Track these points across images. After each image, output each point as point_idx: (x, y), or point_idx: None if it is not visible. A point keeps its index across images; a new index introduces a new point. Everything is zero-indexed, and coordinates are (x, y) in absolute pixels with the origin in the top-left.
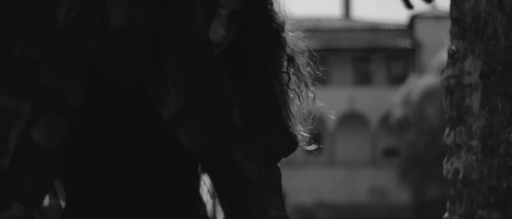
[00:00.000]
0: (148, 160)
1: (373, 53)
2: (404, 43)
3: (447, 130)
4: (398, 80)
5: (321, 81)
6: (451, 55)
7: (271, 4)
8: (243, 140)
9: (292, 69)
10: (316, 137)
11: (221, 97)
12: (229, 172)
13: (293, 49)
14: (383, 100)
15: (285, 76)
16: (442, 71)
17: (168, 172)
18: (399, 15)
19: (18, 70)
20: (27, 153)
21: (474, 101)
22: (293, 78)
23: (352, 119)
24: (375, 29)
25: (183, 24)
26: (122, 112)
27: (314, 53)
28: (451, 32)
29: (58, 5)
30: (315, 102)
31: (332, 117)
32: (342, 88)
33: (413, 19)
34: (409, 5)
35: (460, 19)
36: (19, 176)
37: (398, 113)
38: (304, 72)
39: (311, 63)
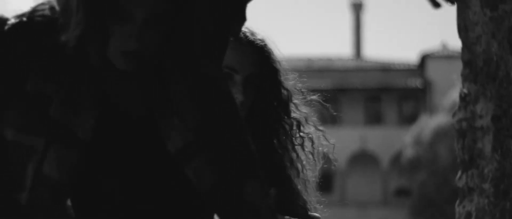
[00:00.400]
0: (155, 191)
1: (384, 93)
2: (415, 82)
3: (459, 173)
4: (409, 119)
5: (333, 120)
6: (463, 98)
7: (281, 69)
8: (257, 172)
9: (300, 133)
10: (327, 177)
11: (233, 131)
12: (239, 209)
13: (301, 113)
14: (394, 140)
15: (294, 140)
16: (454, 114)
17: (173, 204)
18: (410, 55)
19: (31, 106)
20: (40, 187)
21: (486, 144)
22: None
23: (363, 159)
24: (386, 69)
25: (193, 57)
26: (130, 143)
27: (325, 93)
28: (462, 75)
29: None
30: (326, 142)
31: (336, 159)
32: (353, 127)
33: (424, 59)
34: (436, 4)
35: (471, 62)
36: (35, 210)
37: (409, 152)
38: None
39: (322, 103)
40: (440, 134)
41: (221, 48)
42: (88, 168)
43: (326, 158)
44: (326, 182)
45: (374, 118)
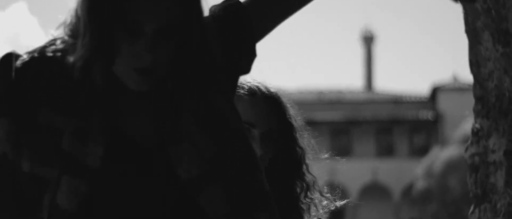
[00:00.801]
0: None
1: (395, 125)
2: (427, 115)
3: (472, 208)
4: (420, 151)
5: (344, 152)
6: (475, 133)
7: (297, 126)
8: (270, 206)
9: (306, 198)
10: (338, 209)
11: (247, 163)
12: None
13: (312, 176)
14: (406, 172)
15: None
16: (466, 149)
17: None
18: (421, 87)
19: (45, 138)
20: (56, 217)
21: (499, 179)
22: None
23: (375, 191)
24: (397, 101)
25: (202, 86)
26: (140, 170)
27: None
28: (474, 110)
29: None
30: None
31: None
32: (365, 159)
33: (435, 91)
34: None
35: (483, 97)
36: None
37: (420, 184)
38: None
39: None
40: (451, 166)
41: (231, 82)
42: (99, 195)
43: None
44: (337, 214)
45: (386, 150)
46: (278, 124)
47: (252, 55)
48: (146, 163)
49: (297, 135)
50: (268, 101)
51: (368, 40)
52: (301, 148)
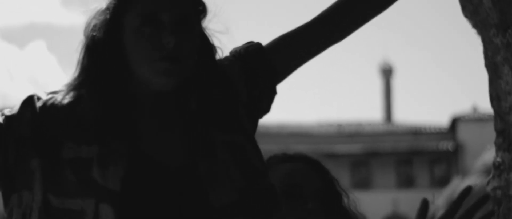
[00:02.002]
0: None
1: (415, 156)
2: (447, 145)
3: None
4: (441, 182)
5: (365, 184)
6: (497, 166)
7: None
8: None
9: None
10: None
11: (270, 201)
12: None
13: None
14: None
15: None
16: (488, 182)
17: None
18: (441, 118)
19: (70, 171)
20: None
21: None
22: None
23: None
24: (417, 132)
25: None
26: (164, 190)
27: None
28: (496, 144)
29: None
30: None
31: None
32: (385, 191)
33: (455, 122)
34: None
35: (505, 131)
36: None
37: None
38: None
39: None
40: (472, 197)
41: (252, 120)
42: (124, 217)
43: None
44: None
45: (406, 182)
46: (322, 182)
47: (272, 92)
48: (171, 183)
49: (340, 191)
50: (311, 164)
51: (387, 73)
52: (346, 210)
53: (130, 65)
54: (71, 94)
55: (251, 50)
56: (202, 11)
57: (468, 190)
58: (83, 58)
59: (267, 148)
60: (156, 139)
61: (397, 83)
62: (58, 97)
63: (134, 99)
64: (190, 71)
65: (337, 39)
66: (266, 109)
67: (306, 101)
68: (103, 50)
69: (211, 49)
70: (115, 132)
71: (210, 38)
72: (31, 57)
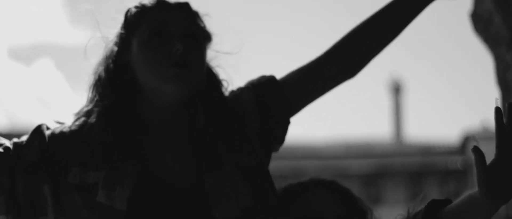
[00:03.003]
0: None
1: (425, 174)
2: (457, 163)
3: None
4: None
5: (375, 203)
6: None
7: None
8: None
9: None
10: None
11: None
12: None
13: None
14: None
15: None
16: None
17: None
18: (451, 136)
19: (77, 195)
20: None
21: None
22: None
23: None
24: (427, 150)
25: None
26: (171, 208)
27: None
28: None
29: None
30: None
31: None
32: (395, 209)
33: (466, 140)
34: None
35: None
36: None
37: None
38: None
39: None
40: None
41: (265, 149)
42: None
43: None
44: None
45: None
46: (344, 208)
47: (285, 123)
48: (177, 201)
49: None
50: (336, 193)
51: (396, 90)
52: None
53: (139, 83)
54: (80, 121)
55: (264, 82)
56: (207, 37)
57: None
58: (92, 86)
59: (277, 166)
60: (164, 158)
61: (406, 100)
62: (67, 125)
63: (142, 120)
64: (200, 81)
65: (348, 75)
66: (280, 140)
67: (315, 119)
68: (112, 75)
69: (217, 79)
70: (123, 155)
71: (215, 69)
72: (39, 76)
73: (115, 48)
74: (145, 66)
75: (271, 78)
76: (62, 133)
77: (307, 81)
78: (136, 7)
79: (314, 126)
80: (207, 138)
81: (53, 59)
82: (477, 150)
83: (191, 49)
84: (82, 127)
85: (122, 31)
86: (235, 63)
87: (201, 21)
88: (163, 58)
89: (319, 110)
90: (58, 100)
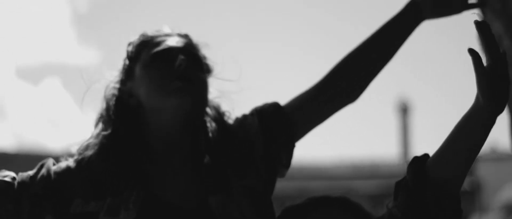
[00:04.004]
0: None
1: None
2: (465, 184)
3: None
4: None
5: None
6: None
7: None
8: None
9: None
10: None
11: None
12: None
13: None
14: None
15: None
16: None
17: None
18: None
19: None
20: None
21: None
22: None
23: None
24: None
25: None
26: None
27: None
28: None
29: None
30: None
31: None
32: None
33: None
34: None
35: None
36: None
37: None
38: None
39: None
40: None
41: (269, 173)
42: None
43: None
44: None
45: None
46: None
47: (291, 147)
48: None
49: None
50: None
51: (403, 111)
52: None
53: (143, 108)
54: (84, 154)
55: (268, 108)
56: (207, 67)
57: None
58: (97, 120)
59: (284, 187)
60: (169, 181)
61: (414, 121)
62: (72, 160)
63: (146, 145)
64: (202, 98)
65: (349, 99)
66: (286, 164)
67: (322, 140)
68: (116, 104)
69: (220, 110)
70: (127, 182)
71: (217, 101)
72: (46, 96)
73: (119, 78)
74: (148, 84)
75: (275, 104)
76: (67, 167)
77: (309, 107)
78: (138, 38)
79: (321, 146)
80: (211, 160)
81: (61, 79)
82: (473, 52)
83: (193, 67)
84: (86, 159)
85: (125, 62)
86: (237, 92)
87: (202, 51)
88: (166, 74)
89: (326, 130)
90: (65, 120)
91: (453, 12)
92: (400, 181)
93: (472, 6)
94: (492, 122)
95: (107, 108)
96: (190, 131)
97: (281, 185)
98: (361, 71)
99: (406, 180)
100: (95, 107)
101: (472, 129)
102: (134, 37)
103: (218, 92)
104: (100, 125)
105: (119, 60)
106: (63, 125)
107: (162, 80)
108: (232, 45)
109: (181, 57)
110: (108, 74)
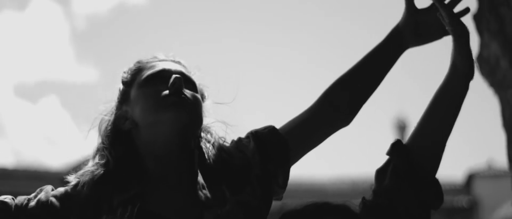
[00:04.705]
0: None
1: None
2: (462, 201)
3: None
4: None
5: None
6: None
7: None
8: None
9: None
10: None
11: None
12: None
13: None
14: None
15: None
16: None
17: None
18: (456, 174)
19: None
20: None
21: None
22: None
23: None
24: None
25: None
26: None
27: None
28: None
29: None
30: None
31: None
32: None
33: (470, 178)
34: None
35: None
36: None
37: None
38: None
39: None
40: None
41: (266, 193)
42: None
43: None
44: None
45: None
46: None
47: (286, 167)
48: None
49: None
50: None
51: (401, 129)
52: None
53: (138, 128)
54: (83, 178)
55: (263, 130)
56: (201, 93)
57: None
58: (95, 151)
59: (283, 205)
60: (164, 198)
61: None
62: (70, 185)
63: (142, 166)
64: (197, 114)
65: (344, 122)
66: (282, 185)
67: (320, 157)
68: (112, 129)
69: (214, 135)
70: (123, 200)
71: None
72: (44, 113)
73: (114, 104)
74: (144, 102)
75: (270, 127)
76: (64, 191)
77: (303, 131)
78: (134, 64)
79: (319, 163)
80: (206, 177)
81: (59, 97)
82: None
83: (187, 86)
84: (82, 184)
85: (121, 87)
86: (231, 117)
87: (195, 76)
88: (161, 91)
89: (324, 147)
90: (63, 138)
91: (434, 39)
92: (385, 167)
93: (459, 29)
94: (463, 83)
95: (103, 141)
96: (186, 149)
97: (279, 202)
98: (349, 97)
99: (393, 166)
100: (92, 124)
101: (446, 94)
102: (129, 65)
103: (213, 119)
104: (97, 157)
105: (116, 78)
106: (61, 142)
107: (157, 96)
108: (227, 69)
109: (176, 75)
110: (103, 107)
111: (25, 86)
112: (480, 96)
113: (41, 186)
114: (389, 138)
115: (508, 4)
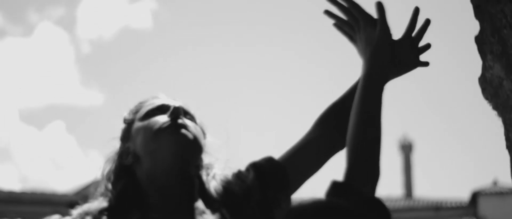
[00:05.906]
0: None
1: None
2: None
3: None
4: None
5: None
6: None
7: None
8: None
9: None
10: None
11: None
12: None
13: None
14: None
15: None
16: None
17: None
18: (461, 193)
19: None
20: None
21: None
22: None
23: None
24: (437, 207)
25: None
26: None
27: None
28: None
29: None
30: None
31: None
32: None
33: (475, 196)
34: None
35: None
36: None
37: None
38: None
39: None
40: None
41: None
42: None
43: None
44: None
45: None
46: None
47: (287, 193)
48: None
49: None
50: None
51: (407, 149)
52: None
53: (139, 160)
54: (86, 211)
55: (262, 160)
56: (201, 128)
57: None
58: (99, 195)
59: None
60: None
61: (417, 158)
62: (74, 215)
63: (143, 198)
64: (198, 144)
65: (341, 147)
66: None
67: (325, 177)
68: (116, 167)
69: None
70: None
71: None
72: (50, 138)
73: (118, 146)
74: (144, 132)
75: (269, 157)
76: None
77: (302, 159)
78: (135, 105)
79: (324, 183)
80: (206, 202)
81: (64, 121)
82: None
83: (186, 117)
84: (86, 214)
85: (123, 126)
86: (230, 153)
87: (195, 114)
88: (161, 120)
89: (329, 167)
90: (69, 162)
91: (410, 69)
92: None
93: (424, 63)
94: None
95: (106, 179)
96: (186, 178)
97: None
98: (342, 125)
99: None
100: (98, 149)
101: (362, 93)
102: (132, 105)
103: (212, 157)
104: (100, 193)
105: (121, 101)
106: (67, 166)
107: (157, 124)
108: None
109: (175, 106)
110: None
111: (31, 111)
112: (485, 116)
113: (47, 210)
114: (395, 158)
115: (510, 26)
